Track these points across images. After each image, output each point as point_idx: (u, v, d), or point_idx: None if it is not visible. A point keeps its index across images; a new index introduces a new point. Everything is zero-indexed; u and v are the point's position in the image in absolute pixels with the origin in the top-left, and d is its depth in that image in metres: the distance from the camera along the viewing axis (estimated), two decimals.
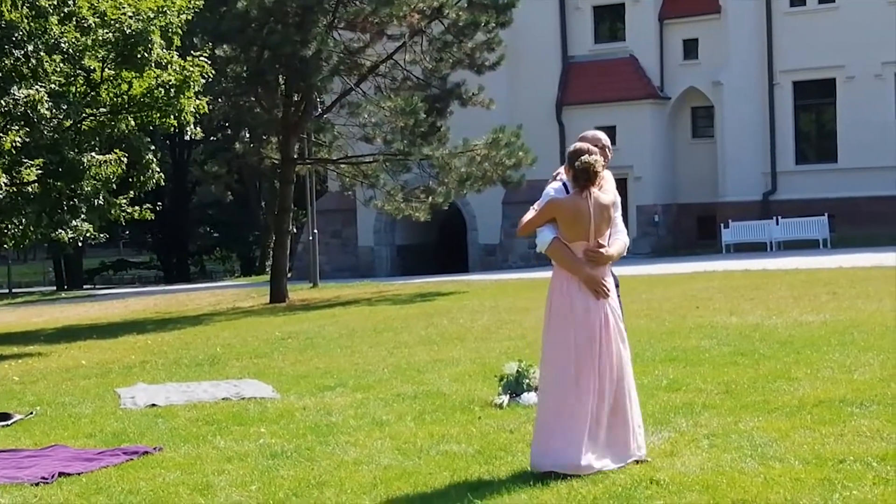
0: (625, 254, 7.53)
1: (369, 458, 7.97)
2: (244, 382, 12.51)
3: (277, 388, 11.83)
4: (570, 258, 7.25)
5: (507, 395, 9.97)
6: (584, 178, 7.20)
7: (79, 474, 8.02)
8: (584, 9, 40.45)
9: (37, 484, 7.78)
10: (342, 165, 30.76)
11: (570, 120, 39.21)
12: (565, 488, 6.72)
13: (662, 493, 6.48)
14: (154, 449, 8.76)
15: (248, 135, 37.11)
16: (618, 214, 7.48)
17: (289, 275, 32.15)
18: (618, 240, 7.44)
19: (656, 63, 39.89)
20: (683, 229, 40.39)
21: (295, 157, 30.26)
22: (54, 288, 59.71)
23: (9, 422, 10.56)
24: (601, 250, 7.26)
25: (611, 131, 33.81)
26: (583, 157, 7.20)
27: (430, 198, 29.23)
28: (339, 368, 13.32)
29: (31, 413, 10.97)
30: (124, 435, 9.55)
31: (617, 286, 7.63)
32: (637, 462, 7.18)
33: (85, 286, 59.87)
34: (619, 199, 7.50)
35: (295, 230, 41.34)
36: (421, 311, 21.69)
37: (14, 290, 54.83)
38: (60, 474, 7.99)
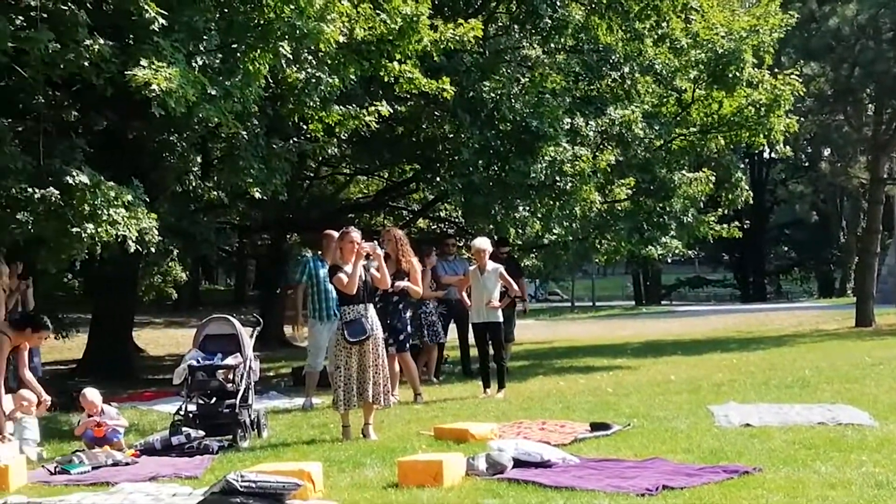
0: None
1: None
2: (837, 407, 12.14)
3: (874, 416, 11.35)
4: None
5: None
6: None
7: (681, 488, 8.12)
8: None
9: (642, 495, 7.95)
10: None
11: None
12: None
13: None
14: (753, 469, 8.71)
15: (832, 153, 36.28)
16: None
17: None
18: None
19: None
20: None
21: (884, 176, 29.14)
22: (633, 302, 61.42)
23: (608, 431, 10.92)
24: None
25: None
26: None
27: None
28: None
29: (629, 425, 11.28)
30: (721, 453, 9.55)
31: None
32: None
33: (662, 302, 61.12)
34: None
35: (879, 251, 39.81)
36: None
37: (597, 304, 57.03)
38: (664, 487, 8.14)
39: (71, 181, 11.79)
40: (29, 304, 14.24)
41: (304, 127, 16.52)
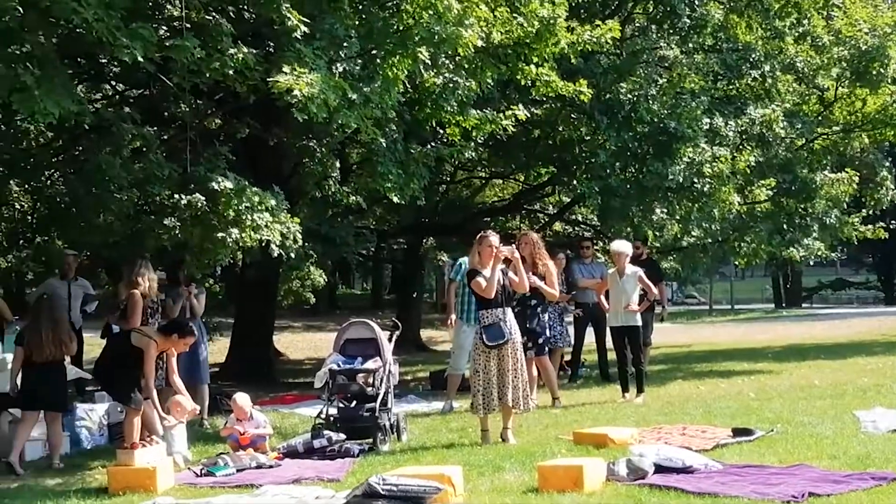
0: None
1: None
2: None
3: None
4: None
5: None
6: None
7: (828, 495, 7.96)
8: None
9: (787, 502, 7.82)
10: None
11: None
12: None
13: None
14: None
15: None
16: None
17: None
18: None
19: None
20: None
21: None
22: (772, 305, 60.34)
23: (751, 437, 10.75)
24: None
25: None
26: None
27: None
28: None
29: (772, 430, 11.09)
30: (869, 459, 9.33)
31: None
32: None
33: (803, 304, 59.93)
34: None
35: None
36: None
37: (735, 307, 56.20)
38: (810, 494, 7.98)
39: (216, 187, 12.02)
40: (198, 311, 14.49)
41: (441, 131, 16.60)
